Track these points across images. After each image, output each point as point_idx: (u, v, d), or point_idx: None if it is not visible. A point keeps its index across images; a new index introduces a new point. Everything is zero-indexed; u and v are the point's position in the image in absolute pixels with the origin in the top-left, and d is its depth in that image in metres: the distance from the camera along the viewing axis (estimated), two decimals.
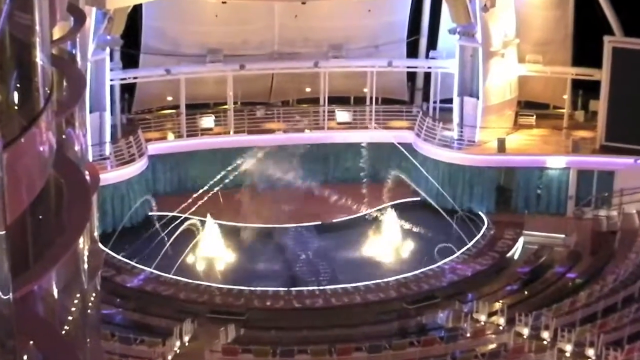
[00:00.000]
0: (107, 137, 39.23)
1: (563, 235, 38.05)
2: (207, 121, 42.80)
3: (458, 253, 36.78)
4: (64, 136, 11.18)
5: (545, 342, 28.12)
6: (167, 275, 34.94)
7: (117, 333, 28.29)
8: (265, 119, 43.95)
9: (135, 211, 39.10)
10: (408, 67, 45.83)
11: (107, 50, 38.59)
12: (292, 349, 27.43)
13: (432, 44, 45.27)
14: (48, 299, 9.36)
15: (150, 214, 39.41)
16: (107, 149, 39.14)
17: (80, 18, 12.91)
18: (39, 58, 8.82)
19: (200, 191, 39.93)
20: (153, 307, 32.82)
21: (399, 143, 41.96)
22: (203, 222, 37.77)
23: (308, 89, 45.52)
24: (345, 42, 44.39)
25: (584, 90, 43.40)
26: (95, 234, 13.18)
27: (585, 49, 42.06)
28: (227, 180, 41.80)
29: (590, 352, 26.64)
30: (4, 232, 6.93)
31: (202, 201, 39.15)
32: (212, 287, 34.22)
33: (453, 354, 27.35)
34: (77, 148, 11.72)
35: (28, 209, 8.87)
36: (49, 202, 9.81)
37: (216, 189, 40.08)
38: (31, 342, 8.07)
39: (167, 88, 43.26)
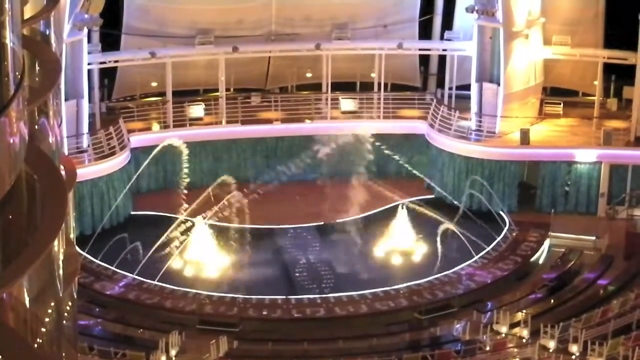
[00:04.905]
0: (85, 127, 39.25)
1: (593, 237, 38.03)
2: (197, 110, 42.80)
3: (476, 257, 36.80)
4: (36, 126, 11.18)
5: (573, 357, 28.13)
6: (151, 281, 34.95)
7: (96, 346, 28.34)
8: (261, 107, 43.96)
9: (116, 210, 39.12)
10: (420, 50, 45.79)
11: (85, 30, 38.59)
12: None
13: (448, 23, 45.25)
14: (19, 308, 9.36)
15: (132, 213, 39.39)
16: (85, 141, 39.15)
17: None
18: (9, 39, 8.82)
19: (189, 188, 39.89)
20: (136, 317, 32.84)
21: (410, 134, 42.00)
22: (192, 223, 37.76)
23: (309, 74, 45.54)
24: (351, 21, 44.40)
25: (617, 75, 43.37)
26: (72, 235, 13.16)
27: (618, 29, 42.01)
28: (218, 176, 41.83)
29: None
30: None
31: (191, 199, 39.11)
32: (202, 295, 34.24)
33: None
34: (51, 140, 11.71)
35: None
36: (20, 200, 9.80)
37: (207, 185, 40.04)
38: (0, 357, 8.07)
39: (151, 73, 43.27)
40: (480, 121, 41.82)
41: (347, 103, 44.19)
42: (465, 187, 40.02)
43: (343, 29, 44.00)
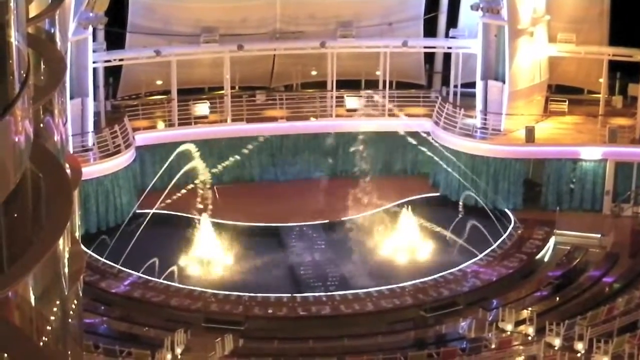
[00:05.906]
0: (90, 126, 39.26)
1: (599, 235, 38.00)
2: (202, 108, 42.82)
3: (481, 255, 36.78)
4: (41, 125, 11.18)
5: (579, 355, 28.11)
6: (156, 280, 34.95)
7: (102, 344, 28.33)
8: (266, 105, 43.96)
9: (121, 209, 39.13)
10: (425, 47, 45.75)
11: (90, 29, 38.59)
12: None
13: (453, 21, 45.20)
14: (24, 307, 9.36)
15: (138, 211, 39.43)
16: (90, 140, 39.16)
17: None
18: (14, 38, 8.82)
19: (194, 186, 39.88)
20: (141, 315, 32.85)
21: (415, 132, 41.99)
22: (197, 221, 37.79)
23: (314, 72, 45.50)
24: (356, 19, 44.36)
25: (622, 72, 43.32)
26: (77, 234, 13.17)
27: (623, 27, 41.95)
28: (223, 174, 41.85)
29: None
30: None
31: (196, 197, 39.12)
32: (207, 293, 34.23)
33: None
34: (56, 138, 11.72)
35: (2, 207, 8.88)
36: (26, 198, 9.81)
37: (212, 183, 40.05)
38: (5, 355, 8.07)
39: (156, 71, 43.26)
40: (485, 119, 41.79)
41: (352, 101, 44.16)
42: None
43: (348, 27, 43.96)
